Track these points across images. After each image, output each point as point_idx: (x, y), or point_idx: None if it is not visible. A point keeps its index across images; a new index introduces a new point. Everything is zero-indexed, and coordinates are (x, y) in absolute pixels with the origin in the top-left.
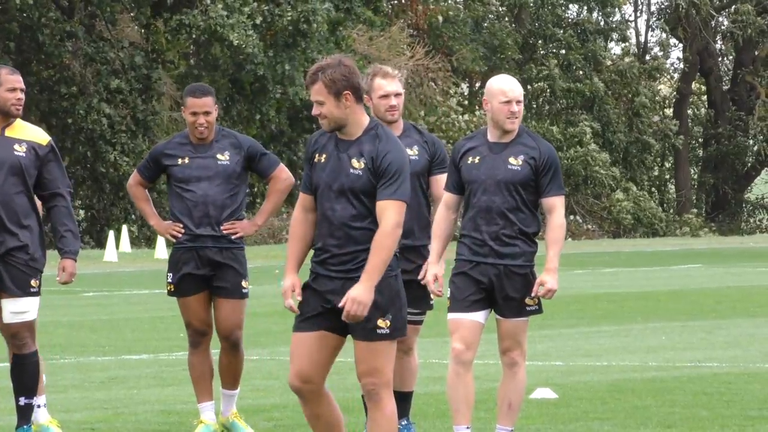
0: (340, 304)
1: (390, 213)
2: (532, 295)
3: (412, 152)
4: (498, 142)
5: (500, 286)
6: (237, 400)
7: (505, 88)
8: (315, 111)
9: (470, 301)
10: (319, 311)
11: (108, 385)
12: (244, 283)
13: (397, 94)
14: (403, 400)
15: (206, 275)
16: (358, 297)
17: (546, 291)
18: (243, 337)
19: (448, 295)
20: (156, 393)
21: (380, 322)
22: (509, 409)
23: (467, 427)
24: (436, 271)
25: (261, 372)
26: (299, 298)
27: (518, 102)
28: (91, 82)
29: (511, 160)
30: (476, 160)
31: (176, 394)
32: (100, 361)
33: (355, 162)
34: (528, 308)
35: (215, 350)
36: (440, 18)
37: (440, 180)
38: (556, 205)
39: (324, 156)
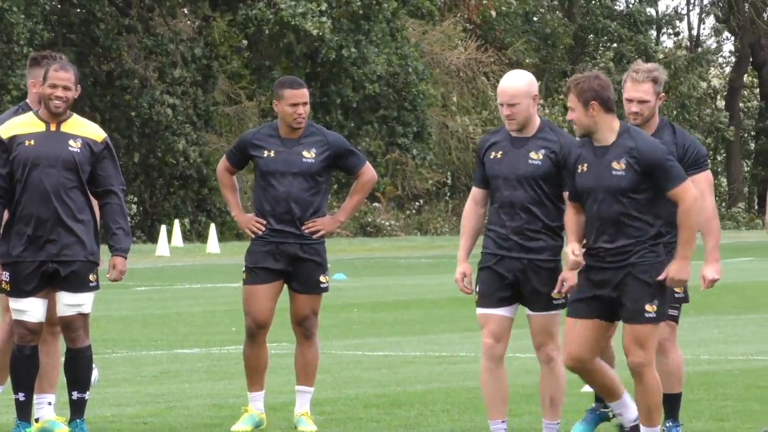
0: (660, 277)
1: (681, 194)
2: (555, 292)
3: None
4: (519, 137)
5: (526, 280)
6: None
7: (499, 90)
8: (569, 116)
9: (497, 298)
10: (589, 300)
11: (160, 379)
12: (322, 278)
13: (641, 101)
14: (667, 401)
15: (284, 269)
16: (677, 276)
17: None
18: (317, 329)
19: (475, 290)
20: (208, 387)
21: (648, 307)
22: (552, 404)
23: (502, 421)
24: (463, 268)
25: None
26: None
27: (510, 105)
28: (152, 75)
29: (532, 154)
30: (498, 155)
31: (228, 388)
32: (152, 356)
33: (615, 164)
34: (555, 301)
35: (274, 344)
36: (493, 13)
37: (694, 180)
38: None
39: (586, 165)
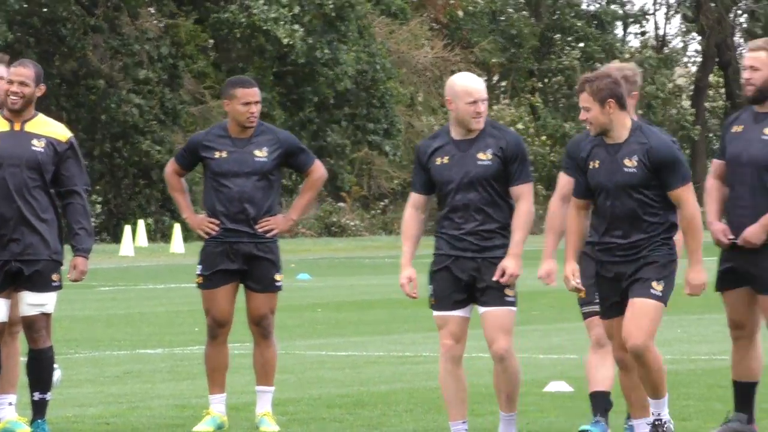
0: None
1: (684, 197)
2: (494, 279)
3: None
4: (464, 139)
5: (480, 277)
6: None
7: (470, 89)
8: (582, 116)
9: (453, 301)
10: (614, 298)
11: (123, 380)
12: (277, 276)
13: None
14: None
15: (239, 269)
16: (695, 281)
17: (508, 276)
18: (274, 328)
19: (430, 293)
20: (171, 387)
21: (655, 284)
22: (508, 399)
23: (463, 422)
24: (408, 273)
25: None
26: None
27: (483, 101)
28: (117, 75)
29: (480, 155)
30: (445, 160)
31: (191, 388)
32: (116, 356)
33: (627, 161)
34: (507, 298)
35: (236, 344)
36: (460, 13)
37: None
38: (524, 193)
39: (597, 162)
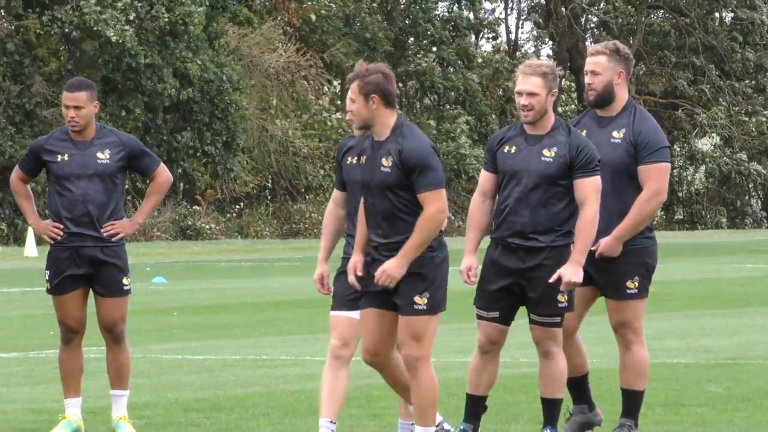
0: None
1: (429, 201)
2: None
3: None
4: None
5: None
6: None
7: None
8: (347, 107)
9: (348, 300)
10: (370, 293)
11: None
12: (125, 280)
13: (530, 93)
14: (547, 407)
15: (86, 273)
16: (390, 270)
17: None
18: (126, 332)
19: (332, 292)
20: (26, 391)
21: (417, 299)
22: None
23: (332, 421)
24: (322, 270)
25: (132, 370)
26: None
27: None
28: None
29: (383, 161)
30: (354, 161)
31: (47, 392)
32: None
33: (384, 161)
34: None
35: (92, 347)
36: (313, 17)
37: (581, 183)
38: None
39: (364, 157)
